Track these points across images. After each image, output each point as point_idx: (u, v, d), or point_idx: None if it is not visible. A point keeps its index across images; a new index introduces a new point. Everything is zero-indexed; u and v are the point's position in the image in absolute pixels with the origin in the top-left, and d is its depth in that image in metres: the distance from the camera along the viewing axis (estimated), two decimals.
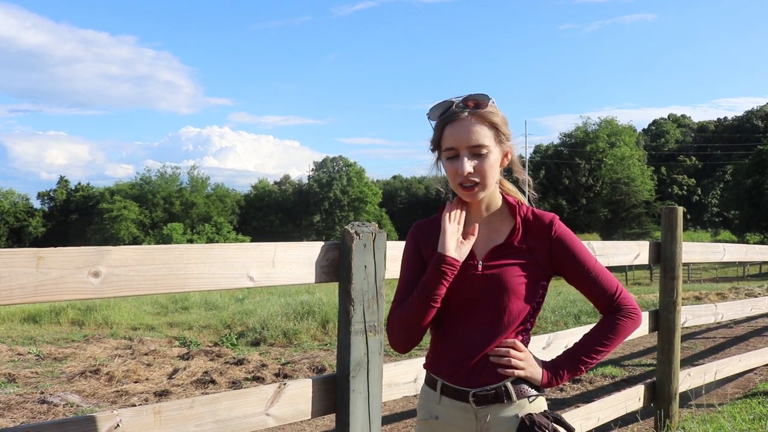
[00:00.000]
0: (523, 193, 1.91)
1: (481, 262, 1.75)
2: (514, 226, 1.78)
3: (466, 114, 1.70)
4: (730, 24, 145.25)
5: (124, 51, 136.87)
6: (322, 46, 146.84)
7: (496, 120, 1.72)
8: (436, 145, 1.76)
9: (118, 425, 1.93)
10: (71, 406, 5.71)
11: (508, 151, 1.78)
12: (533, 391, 1.75)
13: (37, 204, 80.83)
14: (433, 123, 1.77)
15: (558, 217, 1.80)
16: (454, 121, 1.71)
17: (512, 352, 1.73)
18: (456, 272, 1.70)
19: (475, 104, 1.71)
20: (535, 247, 1.76)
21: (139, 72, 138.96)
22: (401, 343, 1.80)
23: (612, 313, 1.80)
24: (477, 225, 1.76)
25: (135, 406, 5.60)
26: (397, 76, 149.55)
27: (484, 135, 1.70)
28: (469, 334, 1.75)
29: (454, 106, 1.72)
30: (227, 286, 2.16)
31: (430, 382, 1.83)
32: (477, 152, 1.70)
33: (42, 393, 6.11)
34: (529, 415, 1.71)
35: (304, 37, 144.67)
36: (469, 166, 1.69)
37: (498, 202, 1.81)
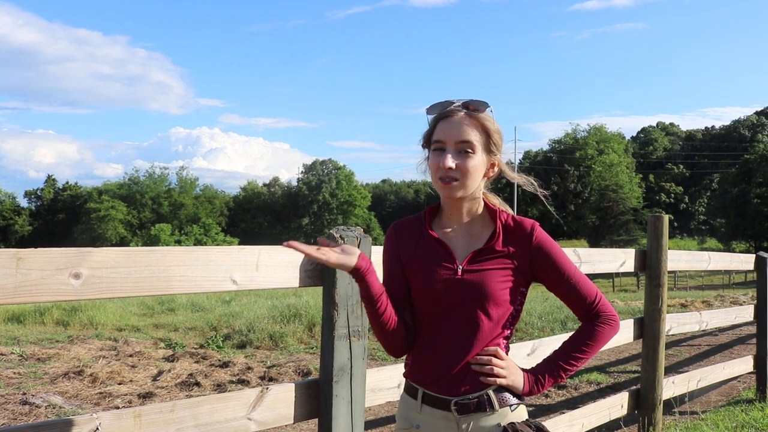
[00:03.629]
0: (511, 204, 1.90)
1: (460, 266, 1.74)
2: (494, 231, 1.78)
3: (462, 114, 1.73)
4: (719, 35, 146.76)
5: (117, 51, 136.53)
6: (314, 50, 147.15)
7: (489, 127, 1.74)
8: (427, 140, 1.79)
9: (97, 429, 1.91)
10: (53, 408, 5.66)
11: (496, 163, 1.78)
12: (515, 400, 1.74)
13: (24, 203, 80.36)
14: (430, 119, 1.79)
15: (538, 224, 1.79)
16: (448, 117, 1.74)
17: (494, 360, 1.72)
18: (363, 273, 1.66)
19: (473, 108, 1.74)
20: (516, 252, 1.76)
21: (130, 72, 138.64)
22: (387, 350, 1.82)
23: (591, 320, 1.80)
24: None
25: (118, 408, 5.56)
26: (388, 80, 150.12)
27: (473, 135, 1.71)
28: (449, 340, 1.74)
29: (452, 106, 1.75)
30: (210, 289, 2.15)
31: (410, 391, 1.81)
32: (463, 149, 1.71)
33: (24, 394, 6.04)
34: (512, 424, 1.70)
35: (297, 40, 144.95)
36: (451, 161, 1.70)
37: (479, 208, 1.81)
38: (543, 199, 1.89)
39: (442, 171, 1.71)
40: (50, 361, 7.99)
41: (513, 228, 1.78)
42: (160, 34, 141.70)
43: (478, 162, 1.73)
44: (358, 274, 1.66)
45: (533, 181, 1.89)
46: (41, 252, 1.78)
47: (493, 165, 1.78)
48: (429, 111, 1.79)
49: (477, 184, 1.75)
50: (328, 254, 1.60)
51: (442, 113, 1.75)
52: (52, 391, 6.22)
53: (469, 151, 1.71)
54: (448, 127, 1.72)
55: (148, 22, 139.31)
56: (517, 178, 1.86)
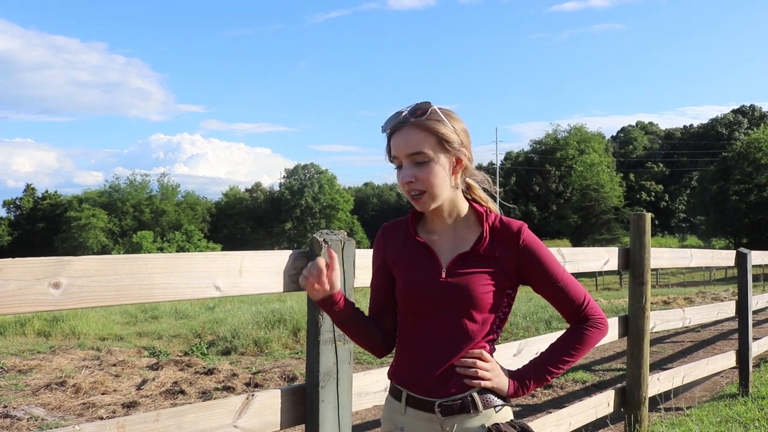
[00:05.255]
0: (493, 198, 1.88)
1: (445, 270, 1.72)
2: (480, 233, 1.75)
3: (408, 123, 1.69)
4: (695, 34, 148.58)
5: (95, 57, 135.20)
6: (294, 54, 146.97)
7: (438, 127, 1.69)
8: (389, 155, 1.76)
9: None
10: (36, 420, 5.57)
11: (460, 158, 1.73)
12: (499, 401, 1.73)
13: (2, 212, 79.21)
14: (386, 135, 1.77)
15: (526, 225, 1.77)
16: (397, 130, 1.71)
17: (479, 362, 1.71)
18: (330, 309, 1.75)
19: (420, 112, 1.70)
20: (503, 255, 1.73)
21: (109, 79, 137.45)
22: (368, 351, 1.86)
23: (579, 323, 1.79)
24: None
25: (102, 418, 5.49)
26: (369, 83, 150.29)
27: (423, 143, 1.67)
28: (433, 343, 1.72)
29: (401, 116, 1.71)
30: (193, 296, 2.12)
31: (394, 393, 1.81)
32: (417, 160, 1.68)
33: (5, 407, 5.95)
34: (496, 425, 1.69)
35: (277, 45, 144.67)
36: (409, 175, 1.68)
37: (463, 209, 1.78)
38: (495, 194, 1.88)
39: (406, 187, 1.70)
40: (32, 372, 7.87)
41: (500, 230, 1.75)
42: (139, 41, 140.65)
43: (437, 168, 1.68)
44: (331, 306, 1.74)
45: (489, 179, 1.86)
46: (19, 262, 1.75)
47: (459, 160, 1.73)
48: (383, 128, 1.76)
49: (447, 187, 1.72)
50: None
51: (392, 128, 1.73)
52: (34, 403, 6.13)
53: (424, 160, 1.68)
54: (398, 142, 1.70)
55: (127, 28, 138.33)
56: (478, 174, 1.82)
